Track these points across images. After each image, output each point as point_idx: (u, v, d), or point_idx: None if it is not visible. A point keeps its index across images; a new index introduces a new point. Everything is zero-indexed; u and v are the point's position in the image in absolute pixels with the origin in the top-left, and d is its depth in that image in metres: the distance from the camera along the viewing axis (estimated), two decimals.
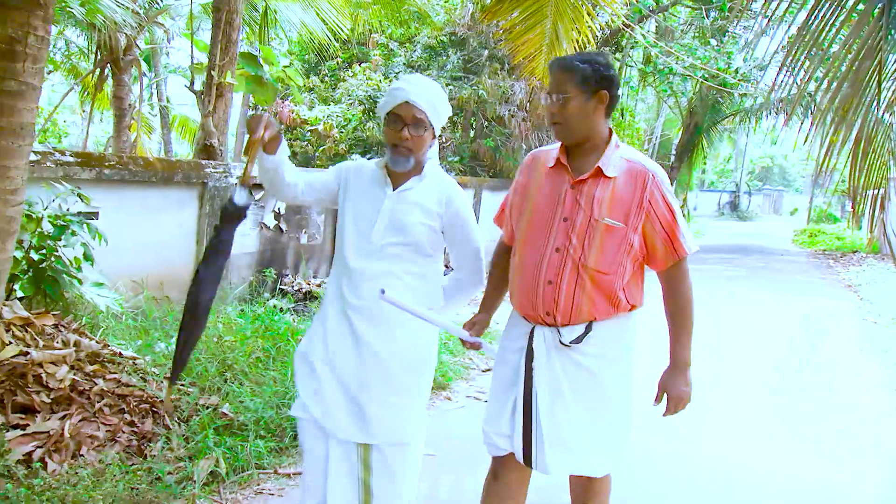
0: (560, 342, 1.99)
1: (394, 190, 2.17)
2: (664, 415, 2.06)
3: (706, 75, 11.79)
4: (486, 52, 11.55)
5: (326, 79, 13.50)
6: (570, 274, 1.96)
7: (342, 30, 8.98)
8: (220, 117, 6.12)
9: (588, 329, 1.99)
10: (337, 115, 11.44)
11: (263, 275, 6.10)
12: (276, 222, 6.31)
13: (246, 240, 5.96)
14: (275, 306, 5.46)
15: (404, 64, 13.05)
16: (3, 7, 2.41)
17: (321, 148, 11.27)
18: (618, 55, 14.50)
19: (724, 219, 33.66)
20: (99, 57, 9.67)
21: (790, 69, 3.81)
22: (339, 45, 11.49)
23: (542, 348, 2.01)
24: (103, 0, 6.63)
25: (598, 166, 1.97)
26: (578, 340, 1.99)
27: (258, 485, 2.93)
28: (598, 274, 1.95)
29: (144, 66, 12.44)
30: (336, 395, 2.13)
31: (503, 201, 2.26)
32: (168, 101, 15.86)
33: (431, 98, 2.11)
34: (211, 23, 5.93)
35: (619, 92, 2.02)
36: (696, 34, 12.98)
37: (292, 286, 6.34)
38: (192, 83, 6.31)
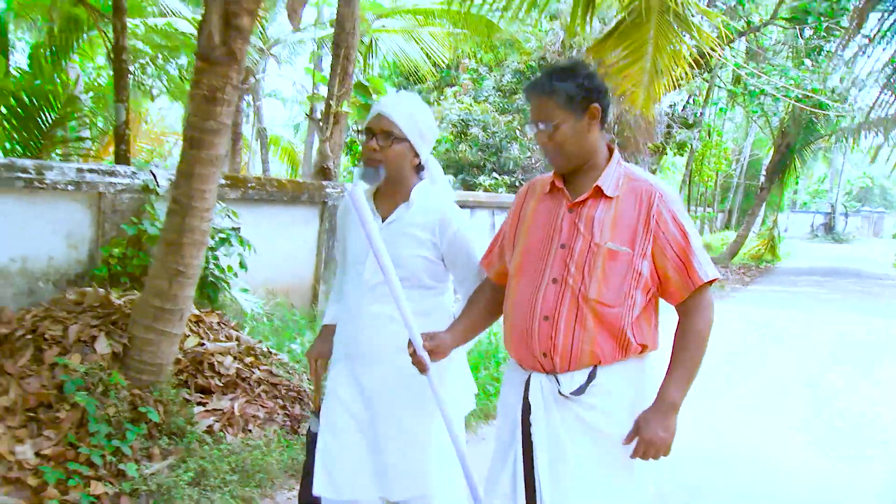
0: (559, 392, 1.72)
1: (383, 221, 2.01)
2: (631, 456, 1.70)
3: (799, 95, 11.67)
4: None
5: None
6: (569, 308, 1.69)
7: (440, 58, 9.59)
8: (336, 142, 6.76)
9: (591, 377, 1.71)
10: None
11: None
12: None
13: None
14: None
15: (493, 87, 13.59)
16: (210, 62, 3.00)
17: None
18: (706, 76, 14.50)
19: (817, 241, 32.28)
20: None
21: (892, 87, 3.94)
22: (430, 70, 12.17)
23: (540, 400, 1.73)
24: None
25: (597, 185, 1.73)
26: (580, 391, 1.71)
27: None
28: (601, 307, 1.68)
29: None
30: (357, 455, 2.00)
31: (492, 240, 1.98)
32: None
33: (405, 110, 1.97)
34: (332, 57, 6.60)
35: (609, 99, 1.77)
36: (790, 54, 12.83)
37: None
38: (312, 111, 7.01)
